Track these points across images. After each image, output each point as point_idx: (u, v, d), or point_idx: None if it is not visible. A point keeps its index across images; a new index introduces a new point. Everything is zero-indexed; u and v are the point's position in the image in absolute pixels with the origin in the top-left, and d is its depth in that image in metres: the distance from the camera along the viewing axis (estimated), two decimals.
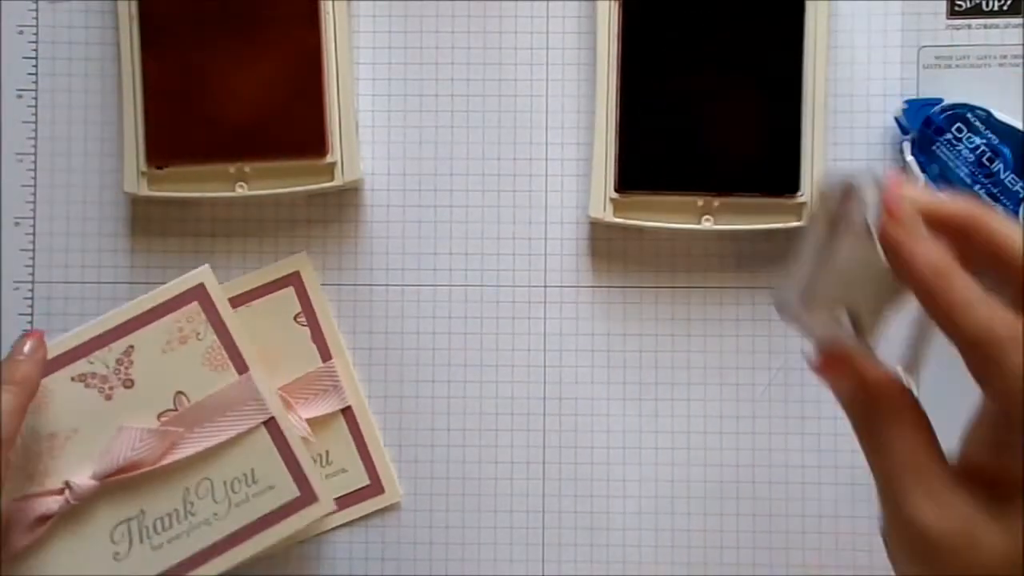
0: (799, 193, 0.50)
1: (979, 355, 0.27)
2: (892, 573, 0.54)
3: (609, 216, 0.51)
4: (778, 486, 0.51)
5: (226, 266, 0.52)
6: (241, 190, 0.51)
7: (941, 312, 0.28)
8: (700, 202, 0.50)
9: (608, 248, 0.52)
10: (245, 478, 0.48)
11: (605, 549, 0.52)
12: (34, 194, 0.52)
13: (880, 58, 0.52)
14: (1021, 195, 0.49)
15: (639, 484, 0.52)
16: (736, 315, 0.52)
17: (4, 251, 0.52)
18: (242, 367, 0.48)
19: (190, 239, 0.53)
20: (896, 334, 0.31)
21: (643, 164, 0.50)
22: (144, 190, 0.50)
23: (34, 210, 0.52)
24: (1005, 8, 0.52)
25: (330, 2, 0.50)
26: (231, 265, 0.52)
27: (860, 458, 0.51)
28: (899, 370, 0.30)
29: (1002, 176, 0.49)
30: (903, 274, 0.29)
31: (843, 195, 0.30)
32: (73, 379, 0.47)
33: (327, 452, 0.52)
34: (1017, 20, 0.52)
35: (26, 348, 0.45)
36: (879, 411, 0.29)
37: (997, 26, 0.52)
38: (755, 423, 0.52)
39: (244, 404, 0.48)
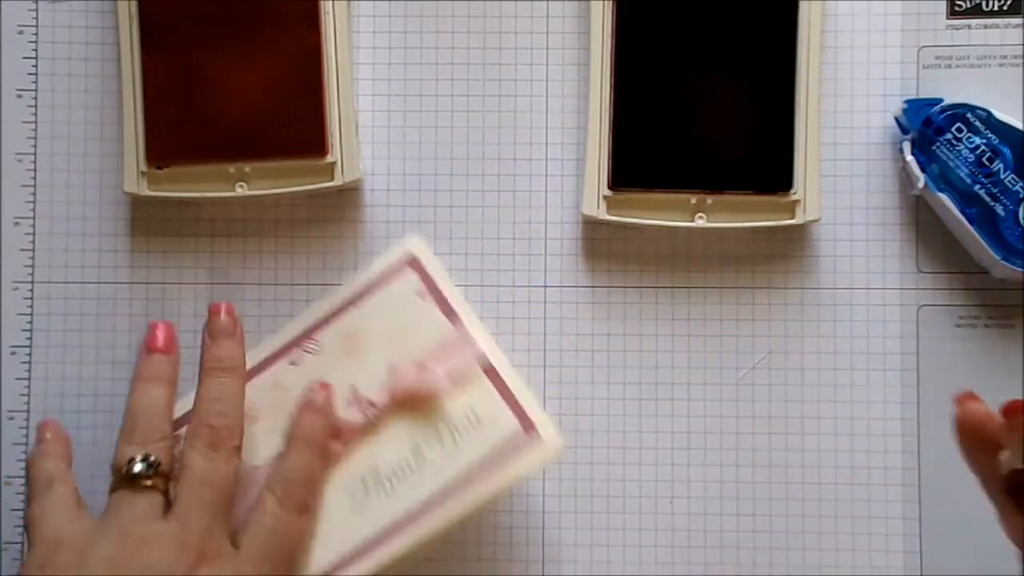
0: (792, 191, 0.50)
1: None
2: (891, 573, 0.53)
3: (602, 213, 0.50)
4: (778, 486, 0.51)
5: (226, 266, 0.52)
6: (241, 190, 0.51)
7: None
8: (693, 200, 0.50)
9: (608, 248, 0.52)
10: (468, 420, 0.46)
11: (605, 549, 0.52)
12: (34, 194, 0.52)
13: (880, 58, 0.52)
14: (1021, 195, 0.49)
15: (639, 484, 0.52)
16: (736, 315, 0.52)
17: (4, 251, 0.52)
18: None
19: (190, 239, 0.53)
20: None
21: (636, 161, 0.50)
22: (144, 190, 0.50)
23: (34, 210, 0.52)
24: (1005, 8, 0.52)
25: (330, 2, 0.50)
26: (231, 265, 0.52)
27: (860, 458, 0.51)
28: None
29: (1002, 176, 0.49)
30: None
31: None
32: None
33: None
34: (1017, 20, 0.52)
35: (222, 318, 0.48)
36: None
37: (997, 26, 0.52)
38: (755, 423, 0.52)
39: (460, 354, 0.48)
